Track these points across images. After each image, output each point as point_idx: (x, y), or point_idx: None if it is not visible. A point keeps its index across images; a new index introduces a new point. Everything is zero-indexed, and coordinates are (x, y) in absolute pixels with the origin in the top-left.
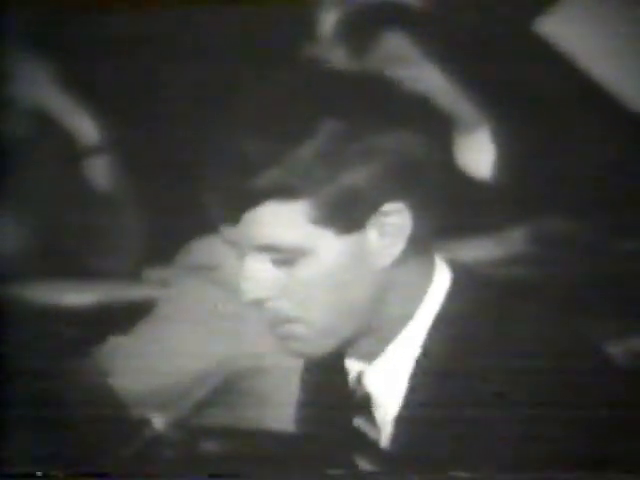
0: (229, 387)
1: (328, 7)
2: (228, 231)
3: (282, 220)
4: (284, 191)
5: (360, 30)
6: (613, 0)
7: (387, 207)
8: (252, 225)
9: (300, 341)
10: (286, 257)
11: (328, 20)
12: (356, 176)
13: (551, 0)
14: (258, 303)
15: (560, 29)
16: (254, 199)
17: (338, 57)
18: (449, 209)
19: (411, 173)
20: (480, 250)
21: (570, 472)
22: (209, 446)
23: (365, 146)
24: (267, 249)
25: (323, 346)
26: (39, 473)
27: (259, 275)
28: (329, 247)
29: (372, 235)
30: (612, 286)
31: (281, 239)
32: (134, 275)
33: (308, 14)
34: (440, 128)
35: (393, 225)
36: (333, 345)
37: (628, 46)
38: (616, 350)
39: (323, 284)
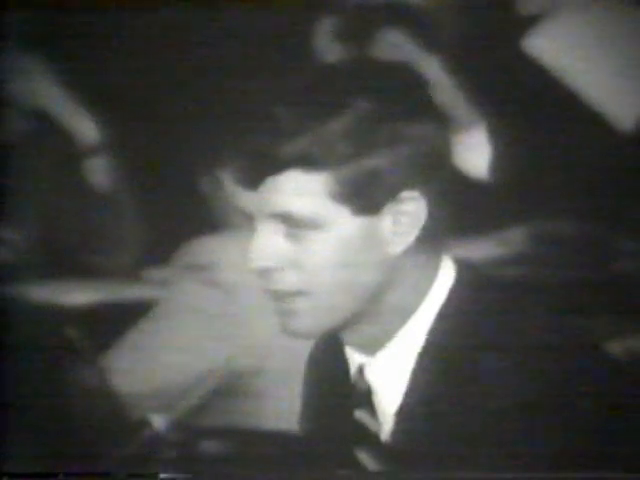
0: (229, 387)
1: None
2: (245, 196)
3: (301, 189)
4: (308, 161)
5: (360, 28)
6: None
7: (405, 194)
8: (271, 191)
9: (299, 317)
10: (299, 228)
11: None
12: (379, 159)
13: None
14: (264, 272)
15: (548, 44)
16: (277, 165)
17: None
18: (464, 204)
19: (432, 164)
20: (484, 249)
21: (570, 472)
22: (210, 446)
23: (392, 131)
24: (282, 218)
25: (321, 324)
26: (39, 473)
27: (269, 244)
28: (343, 224)
29: (387, 221)
30: (613, 285)
31: (297, 208)
32: (134, 275)
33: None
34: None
35: (408, 213)
36: (331, 324)
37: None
38: (616, 349)
39: (332, 260)
